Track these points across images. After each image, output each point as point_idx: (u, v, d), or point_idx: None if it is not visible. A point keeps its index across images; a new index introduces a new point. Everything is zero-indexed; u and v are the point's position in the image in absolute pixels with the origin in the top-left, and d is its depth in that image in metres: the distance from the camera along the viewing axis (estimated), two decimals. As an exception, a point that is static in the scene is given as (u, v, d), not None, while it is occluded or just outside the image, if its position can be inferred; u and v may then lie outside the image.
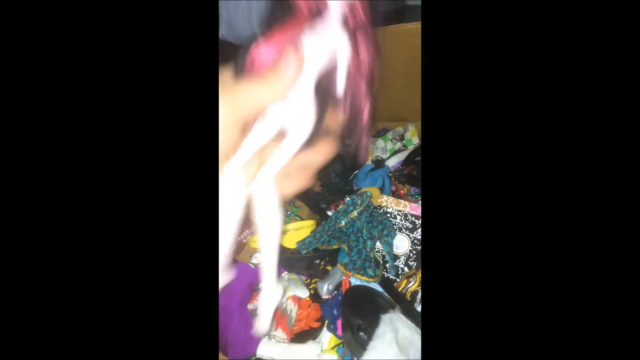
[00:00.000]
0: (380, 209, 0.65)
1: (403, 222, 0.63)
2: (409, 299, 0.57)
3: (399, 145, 0.81)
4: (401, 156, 0.78)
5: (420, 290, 0.57)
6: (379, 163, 0.78)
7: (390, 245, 0.60)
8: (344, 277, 0.61)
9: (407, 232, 0.62)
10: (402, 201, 0.64)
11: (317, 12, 0.25)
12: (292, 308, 0.57)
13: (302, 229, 0.66)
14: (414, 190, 0.74)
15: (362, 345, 0.50)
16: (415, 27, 0.68)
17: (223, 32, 1.38)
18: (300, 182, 0.25)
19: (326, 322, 0.58)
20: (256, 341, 0.56)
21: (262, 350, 0.55)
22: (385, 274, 0.60)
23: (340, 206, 0.65)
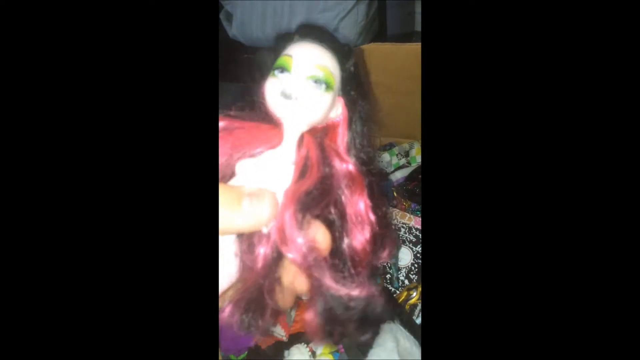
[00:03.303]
0: (385, 220, 0.66)
1: (407, 235, 0.63)
2: (407, 311, 0.57)
3: (403, 161, 0.82)
4: (405, 172, 0.80)
5: (419, 304, 0.58)
6: (383, 176, 0.79)
7: (396, 257, 0.60)
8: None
9: (411, 245, 0.62)
10: (408, 214, 0.65)
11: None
12: (292, 307, 0.56)
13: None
14: (414, 206, 0.75)
15: (363, 352, 0.50)
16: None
17: (234, 31, 1.35)
18: None
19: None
20: (250, 336, 0.55)
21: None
22: (386, 284, 0.61)
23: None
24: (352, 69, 0.27)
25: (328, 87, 0.25)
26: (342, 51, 0.26)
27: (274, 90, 0.25)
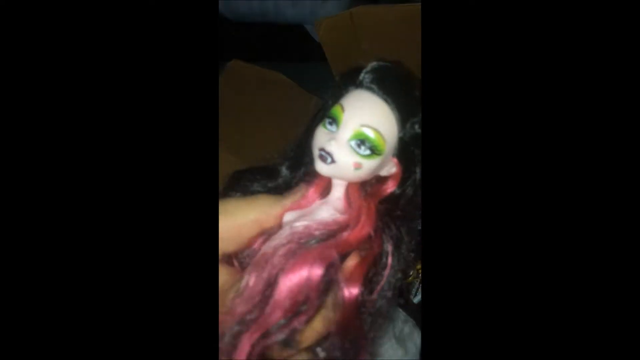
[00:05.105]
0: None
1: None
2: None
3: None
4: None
5: (415, 283, 0.54)
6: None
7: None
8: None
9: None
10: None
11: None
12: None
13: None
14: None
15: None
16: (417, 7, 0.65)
17: (221, 8, 1.31)
18: None
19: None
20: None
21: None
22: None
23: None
24: (417, 127, 0.24)
25: (374, 152, 0.23)
26: (408, 106, 0.24)
27: (318, 143, 0.23)
